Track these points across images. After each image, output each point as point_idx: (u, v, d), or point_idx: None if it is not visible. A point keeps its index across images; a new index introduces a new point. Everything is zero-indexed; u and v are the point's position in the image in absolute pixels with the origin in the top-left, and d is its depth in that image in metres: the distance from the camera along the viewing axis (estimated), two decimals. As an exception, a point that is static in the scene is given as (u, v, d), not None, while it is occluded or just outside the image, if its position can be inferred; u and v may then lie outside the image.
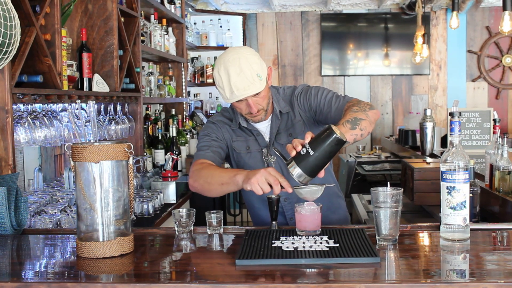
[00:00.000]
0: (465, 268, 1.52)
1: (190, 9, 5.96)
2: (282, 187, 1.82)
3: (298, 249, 1.60)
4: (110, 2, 3.08)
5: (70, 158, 1.65)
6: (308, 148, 1.72)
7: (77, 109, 2.70)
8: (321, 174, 1.78)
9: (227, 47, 6.17)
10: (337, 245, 1.63)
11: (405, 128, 5.02)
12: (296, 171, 1.74)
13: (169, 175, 3.64)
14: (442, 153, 2.70)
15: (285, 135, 2.25)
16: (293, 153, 1.76)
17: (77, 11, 3.05)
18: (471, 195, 2.04)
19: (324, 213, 1.83)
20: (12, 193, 1.91)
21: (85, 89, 2.83)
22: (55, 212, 2.29)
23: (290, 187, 1.82)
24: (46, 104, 2.53)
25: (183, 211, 1.85)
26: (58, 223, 2.26)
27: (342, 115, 2.04)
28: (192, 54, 6.28)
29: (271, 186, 1.82)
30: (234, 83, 2.06)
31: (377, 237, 1.68)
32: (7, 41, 1.91)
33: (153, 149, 4.18)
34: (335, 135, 1.70)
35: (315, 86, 2.28)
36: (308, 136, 1.76)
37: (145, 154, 3.79)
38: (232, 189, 2.01)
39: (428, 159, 3.26)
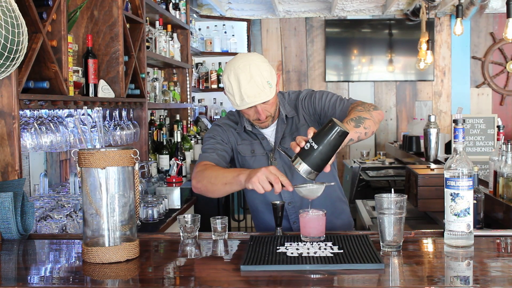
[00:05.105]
0: (469, 275, 1.52)
1: (194, 15, 5.99)
2: (283, 186, 1.83)
3: (302, 255, 1.60)
4: (115, 9, 3.10)
5: (77, 164, 1.66)
6: (312, 143, 1.72)
7: (83, 114, 2.72)
8: (327, 168, 1.77)
9: (231, 53, 6.24)
10: (341, 251, 1.64)
11: (409, 134, 5.02)
12: (302, 166, 1.74)
13: (174, 180, 3.65)
14: (446, 159, 2.71)
15: (289, 139, 2.25)
16: (297, 150, 1.76)
17: (83, 17, 3.08)
18: (475, 201, 2.04)
19: (328, 218, 1.84)
20: (18, 198, 1.93)
21: (90, 95, 2.85)
22: (61, 217, 2.30)
23: (290, 185, 1.83)
24: (52, 110, 2.54)
25: (188, 217, 1.86)
26: (64, 228, 2.28)
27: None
28: (196, 59, 6.31)
29: (272, 185, 1.83)
30: (245, 90, 2.06)
31: (381, 243, 1.69)
32: (15, 47, 1.93)
33: (158, 155, 4.19)
34: (337, 127, 1.70)
35: (319, 90, 2.30)
36: (311, 132, 1.76)
37: (150, 159, 3.80)
38: (235, 189, 2.01)
39: (432, 165, 3.26)
